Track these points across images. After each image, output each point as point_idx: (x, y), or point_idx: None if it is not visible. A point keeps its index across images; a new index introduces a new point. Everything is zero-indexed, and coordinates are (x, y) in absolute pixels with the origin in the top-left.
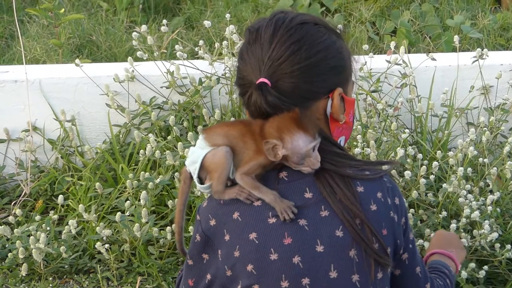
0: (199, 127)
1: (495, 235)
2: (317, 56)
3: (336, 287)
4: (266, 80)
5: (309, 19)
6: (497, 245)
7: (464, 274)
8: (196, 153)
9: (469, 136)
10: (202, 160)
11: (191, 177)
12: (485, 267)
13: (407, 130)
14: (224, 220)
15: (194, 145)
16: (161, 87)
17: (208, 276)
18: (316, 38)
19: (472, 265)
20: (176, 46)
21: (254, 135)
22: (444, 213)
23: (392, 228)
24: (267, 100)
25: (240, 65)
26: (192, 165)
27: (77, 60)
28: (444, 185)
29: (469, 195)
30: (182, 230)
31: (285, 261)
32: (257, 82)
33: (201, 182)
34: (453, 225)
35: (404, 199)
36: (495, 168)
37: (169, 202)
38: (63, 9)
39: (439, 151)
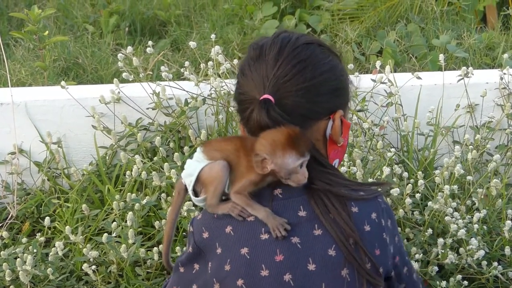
0: (186, 148)
1: (481, 252)
2: (321, 76)
3: None
4: (270, 97)
5: (314, 40)
6: (484, 263)
7: None
8: (193, 166)
9: (454, 153)
10: (199, 173)
11: (186, 189)
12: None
13: (393, 149)
14: (217, 234)
15: (180, 166)
16: (147, 109)
17: (194, 287)
18: (321, 59)
19: (459, 276)
20: (162, 67)
21: (247, 151)
22: (430, 231)
23: (384, 249)
24: (270, 115)
25: (241, 81)
26: (188, 178)
27: (62, 82)
28: (430, 203)
29: (456, 213)
30: (171, 241)
31: (276, 278)
32: (261, 98)
33: (196, 195)
34: (440, 241)
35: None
36: (481, 186)
37: (156, 223)
38: (47, 32)
39: (421, 172)
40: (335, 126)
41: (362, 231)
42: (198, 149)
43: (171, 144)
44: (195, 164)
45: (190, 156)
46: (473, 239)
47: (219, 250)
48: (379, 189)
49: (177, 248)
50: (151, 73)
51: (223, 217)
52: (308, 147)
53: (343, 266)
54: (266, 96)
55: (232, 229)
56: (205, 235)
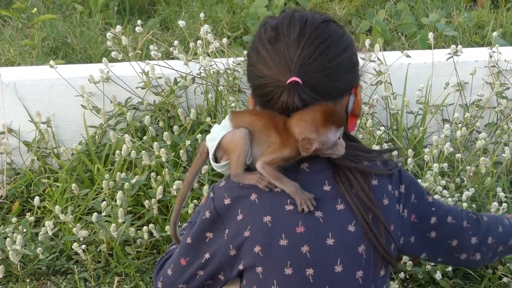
0: (175, 127)
1: None
2: (344, 54)
3: (338, 282)
4: (298, 79)
5: (328, 17)
6: None
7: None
8: (218, 131)
9: (444, 132)
10: (221, 139)
11: (208, 152)
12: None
13: (382, 128)
14: (240, 201)
15: (170, 145)
16: (136, 88)
17: (207, 256)
18: (340, 36)
19: None
20: (151, 47)
21: (278, 129)
22: None
23: (397, 222)
24: (301, 98)
25: (257, 64)
26: (211, 141)
27: (51, 62)
28: (419, 181)
29: (444, 191)
30: (184, 200)
31: (294, 249)
32: (289, 81)
33: (216, 160)
34: None
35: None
36: (470, 164)
37: (146, 202)
38: (35, 9)
39: (411, 150)
40: (357, 100)
41: (381, 205)
42: (227, 116)
43: (161, 123)
44: (220, 130)
45: (180, 135)
46: None
47: (240, 217)
48: (398, 163)
49: (167, 227)
50: (140, 52)
51: (249, 186)
52: (342, 119)
53: (360, 242)
54: (294, 78)
55: (257, 197)
56: (227, 201)
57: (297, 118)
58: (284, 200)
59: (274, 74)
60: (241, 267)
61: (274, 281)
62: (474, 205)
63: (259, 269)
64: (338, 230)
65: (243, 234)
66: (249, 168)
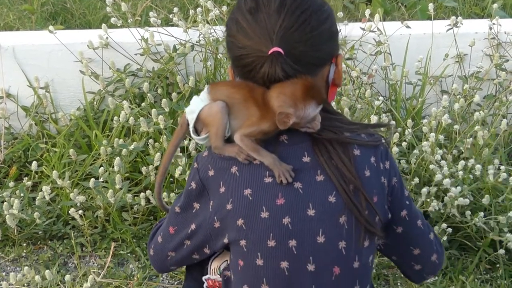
0: (173, 94)
1: (465, 201)
2: (325, 23)
3: (321, 252)
4: (280, 49)
5: None
6: (468, 212)
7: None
8: (196, 104)
9: (442, 103)
10: (199, 112)
11: (188, 125)
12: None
13: (381, 98)
14: (222, 173)
15: (168, 112)
16: (135, 54)
17: (193, 226)
18: (321, 5)
19: (444, 225)
20: (151, 13)
21: (257, 102)
22: (417, 180)
23: (382, 195)
24: (283, 69)
25: (237, 35)
26: (190, 114)
27: (50, 27)
28: (415, 150)
29: (442, 161)
30: (166, 172)
31: (275, 221)
32: (270, 51)
33: (197, 133)
34: (424, 190)
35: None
36: (468, 135)
37: (143, 169)
38: None
39: (410, 120)
40: (338, 70)
41: (363, 176)
42: (205, 88)
43: (159, 90)
44: (199, 102)
45: (178, 102)
46: (457, 187)
47: (222, 189)
48: (385, 133)
49: (164, 194)
50: (139, 18)
51: (229, 158)
52: (322, 94)
53: (341, 213)
54: (276, 49)
55: (237, 170)
56: (211, 172)
57: (277, 91)
58: (263, 172)
59: (255, 45)
60: (226, 240)
61: (258, 253)
62: (471, 176)
63: (242, 242)
64: (319, 201)
65: (226, 207)
66: (230, 139)
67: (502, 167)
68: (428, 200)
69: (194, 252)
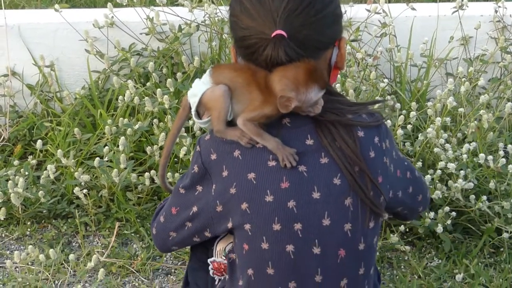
0: (178, 74)
1: (470, 185)
2: (329, 7)
3: (327, 235)
4: (283, 32)
5: None
6: (472, 197)
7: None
8: (198, 87)
9: (447, 86)
10: (201, 96)
11: (190, 107)
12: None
13: (386, 80)
14: (225, 157)
15: (173, 92)
16: (141, 34)
17: (194, 209)
18: None
19: (447, 208)
20: None
21: (259, 86)
22: (420, 163)
23: (386, 175)
24: (286, 52)
25: (240, 15)
26: (192, 98)
27: (56, 5)
28: (420, 135)
29: (447, 145)
30: (170, 154)
31: (280, 204)
32: (273, 34)
33: (199, 116)
34: (428, 176)
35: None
36: (473, 119)
37: (148, 149)
38: None
39: (414, 102)
40: (341, 53)
41: (367, 157)
42: (207, 71)
43: (164, 70)
44: (201, 86)
45: (183, 82)
46: (462, 171)
47: (225, 173)
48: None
49: (168, 174)
50: None
51: (232, 141)
52: (325, 78)
53: (347, 195)
54: (279, 31)
55: (240, 154)
56: (213, 156)
57: (279, 74)
58: (267, 156)
59: (258, 26)
60: (229, 225)
61: (264, 237)
62: (475, 159)
63: (247, 227)
64: (323, 184)
65: (229, 191)
66: (232, 123)
67: (501, 152)
68: (432, 186)
69: (194, 234)
